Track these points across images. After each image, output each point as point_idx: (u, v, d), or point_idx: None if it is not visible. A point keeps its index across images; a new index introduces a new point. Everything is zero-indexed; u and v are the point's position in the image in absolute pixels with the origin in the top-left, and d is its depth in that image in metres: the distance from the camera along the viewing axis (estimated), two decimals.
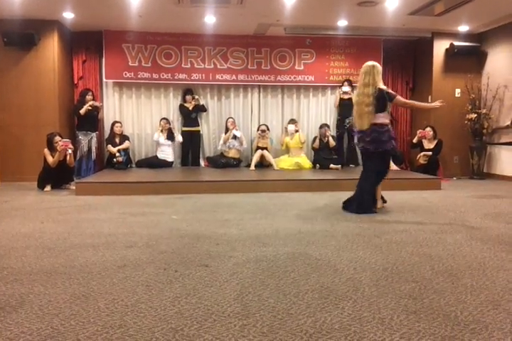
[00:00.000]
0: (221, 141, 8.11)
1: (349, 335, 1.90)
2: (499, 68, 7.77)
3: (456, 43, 7.93)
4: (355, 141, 4.89)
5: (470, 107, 7.92)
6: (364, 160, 4.98)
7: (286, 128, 8.19)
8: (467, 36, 8.07)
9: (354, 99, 4.88)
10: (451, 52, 8.01)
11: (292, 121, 8.25)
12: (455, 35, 8.03)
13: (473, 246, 3.37)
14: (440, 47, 8.13)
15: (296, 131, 8.09)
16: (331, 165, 7.63)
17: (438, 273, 2.72)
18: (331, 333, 1.92)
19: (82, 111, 7.43)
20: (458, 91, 8.11)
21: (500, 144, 7.76)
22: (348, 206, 4.77)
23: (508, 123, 7.43)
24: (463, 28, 7.84)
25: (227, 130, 8.12)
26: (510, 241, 3.49)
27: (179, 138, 8.10)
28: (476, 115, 7.79)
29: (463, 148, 8.09)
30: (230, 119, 8.17)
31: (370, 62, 4.70)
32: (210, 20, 7.22)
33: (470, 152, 8.02)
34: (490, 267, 2.84)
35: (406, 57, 8.70)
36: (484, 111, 7.81)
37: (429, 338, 1.88)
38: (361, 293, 2.38)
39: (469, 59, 8.08)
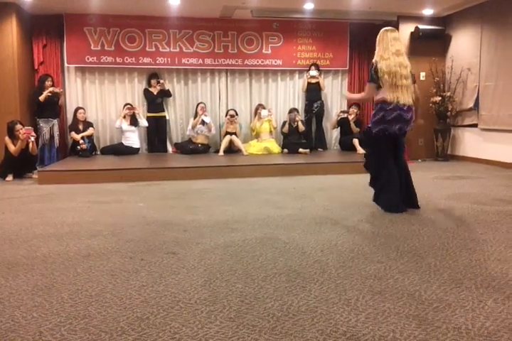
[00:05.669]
0: (189, 127, 7.99)
1: (315, 317, 1.92)
2: (463, 51, 7.88)
3: (421, 27, 7.99)
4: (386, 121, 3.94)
5: (434, 90, 8.03)
6: (394, 145, 4.23)
7: (258, 113, 8.02)
8: (432, 20, 8.13)
9: (385, 70, 4.05)
10: (416, 36, 8.07)
11: (261, 106, 8.17)
12: (420, 19, 8.08)
13: (438, 226, 3.44)
14: (405, 31, 8.15)
15: (270, 115, 8.01)
16: (300, 150, 7.63)
17: (403, 254, 2.76)
18: (298, 316, 1.93)
19: (41, 98, 7.19)
20: (423, 74, 8.19)
21: (464, 126, 7.93)
22: (411, 203, 4.02)
23: (471, 105, 7.57)
24: (428, 12, 7.89)
25: (196, 115, 8.00)
26: (473, 221, 3.58)
27: (144, 122, 7.95)
28: (440, 98, 7.91)
29: (428, 130, 8.20)
30: (201, 104, 8.02)
31: (392, 28, 4.15)
32: (174, 1, 7.04)
33: (434, 134, 8.16)
34: (453, 246, 2.91)
35: (372, 40, 8.66)
36: (448, 93, 7.93)
37: (394, 317, 1.91)
38: (328, 275, 2.40)
39: (434, 42, 8.15)
